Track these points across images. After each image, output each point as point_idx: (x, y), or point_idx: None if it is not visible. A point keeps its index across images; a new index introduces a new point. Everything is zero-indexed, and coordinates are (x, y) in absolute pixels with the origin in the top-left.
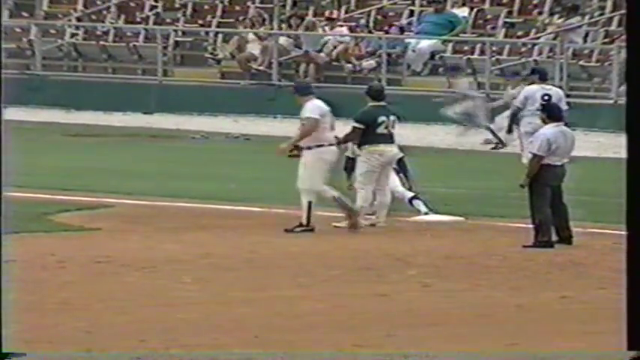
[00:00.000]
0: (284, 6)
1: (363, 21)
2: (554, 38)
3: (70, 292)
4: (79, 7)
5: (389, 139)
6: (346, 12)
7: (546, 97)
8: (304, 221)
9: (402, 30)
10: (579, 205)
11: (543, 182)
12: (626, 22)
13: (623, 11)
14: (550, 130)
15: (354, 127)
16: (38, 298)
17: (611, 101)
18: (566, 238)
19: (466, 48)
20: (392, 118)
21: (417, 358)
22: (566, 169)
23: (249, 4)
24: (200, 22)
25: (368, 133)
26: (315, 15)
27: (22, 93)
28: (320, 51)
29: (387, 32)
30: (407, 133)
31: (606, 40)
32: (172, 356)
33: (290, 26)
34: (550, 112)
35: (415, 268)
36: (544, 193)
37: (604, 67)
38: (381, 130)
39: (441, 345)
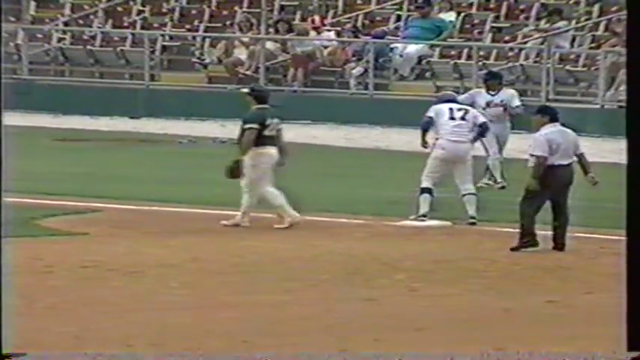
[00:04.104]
0: (271, 11)
1: (348, 25)
2: (542, 43)
3: (57, 297)
4: (67, 11)
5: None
6: (333, 17)
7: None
8: None
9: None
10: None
11: (547, 184)
12: (626, 23)
13: (610, 16)
14: (547, 130)
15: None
16: (25, 303)
17: (598, 106)
18: (557, 247)
19: (453, 53)
20: None
21: None
22: (573, 170)
23: (236, 8)
24: (187, 26)
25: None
26: (302, 20)
27: (9, 97)
28: (309, 56)
29: (373, 37)
30: (395, 138)
31: (593, 45)
32: None
33: (277, 31)
34: (544, 113)
35: (403, 273)
36: (542, 195)
37: (591, 71)
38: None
39: (427, 349)
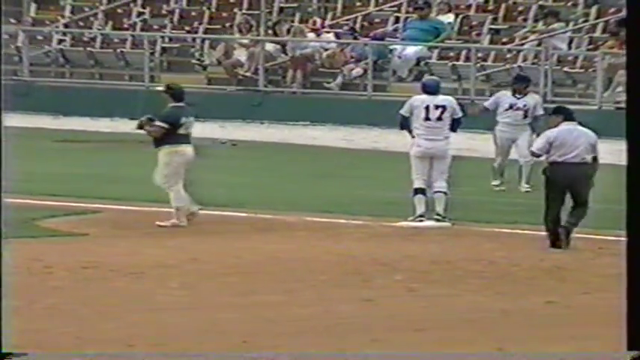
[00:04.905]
0: (270, 13)
1: (346, 27)
2: (539, 44)
3: (57, 298)
4: (67, 13)
5: None
6: (332, 19)
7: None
8: None
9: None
10: (564, 210)
11: (552, 181)
12: (626, 23)
13: (607, 18)
14: (557, 128)
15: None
16: (25, 304)
17: (596, 107)
18: (556, 243)
19: (451, 54)
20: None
21: None
22: (585, 170)
23: (235, 10)
24: (187, 28)
25: None
26: (301, 22)
27: (10, 98)
28: (307, 58)
29: (373, 38)
30: (393, 139)
31: (590, 46)
32: None
33: (275, 34)
34: (559, 112)
35: (401, 273)
36: (552, 193)
37: (588, 73)
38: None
39: (426, 350)
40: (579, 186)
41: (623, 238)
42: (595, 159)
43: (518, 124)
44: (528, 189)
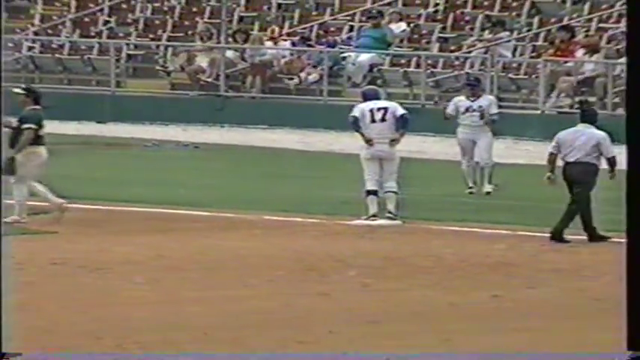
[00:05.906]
0: (231, 21)
1: (297, 38)
2: (485, 52)
3: (27, 293)
4: (36, 22)
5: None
6: (290, 27)
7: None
8: None
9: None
10: (510, 209)
11: (564, 180)
12: (626, 26)
13: (549, 27)
14: (566, 130)
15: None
16: None
17: (539, 112)
18: (590, 237)
19: (403, 61)
20: None
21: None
22: (583, 170)
23: (197, 19)
24: (151, 36)
25: None
26: (260, 30)
27: None
28: (266, 64)
29: (327, 45)
30: (347, 141)
31: (533, 54)
32: (127, 353)
33: (236, 41)
34: (581, 114)
35: (355, 269)
36: (569, 189)
37: (531, 79)
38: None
39: (379, 341)
40: (578, 185)
41: (570, 236)
42: (610, 160)
43: (477, 125)
44: (489, 190)
